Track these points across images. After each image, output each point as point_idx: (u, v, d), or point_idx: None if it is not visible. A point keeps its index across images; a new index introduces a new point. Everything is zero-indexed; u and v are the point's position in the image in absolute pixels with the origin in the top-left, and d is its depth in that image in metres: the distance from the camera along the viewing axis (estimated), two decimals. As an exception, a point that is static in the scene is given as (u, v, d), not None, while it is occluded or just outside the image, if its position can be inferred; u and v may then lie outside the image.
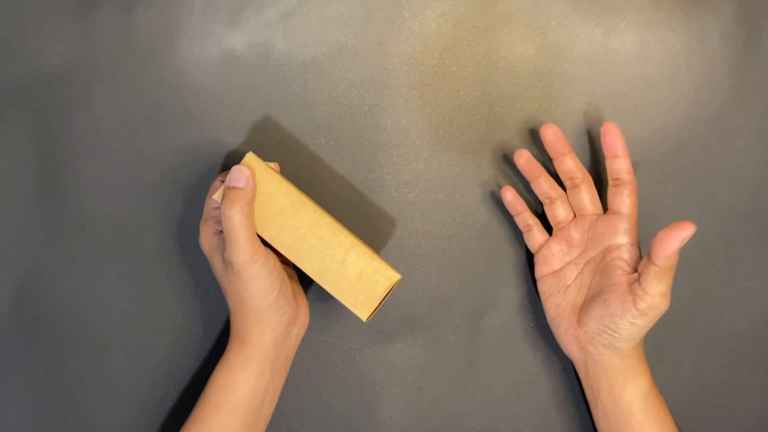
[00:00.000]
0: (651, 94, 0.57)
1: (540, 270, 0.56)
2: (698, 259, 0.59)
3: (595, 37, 0.57)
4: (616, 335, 0.51)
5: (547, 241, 0.56)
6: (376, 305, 0.51)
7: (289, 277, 0.56)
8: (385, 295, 0.51)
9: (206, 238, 0.53)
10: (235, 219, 0.48)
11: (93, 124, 0.57)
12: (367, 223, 0.58)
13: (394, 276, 0.51)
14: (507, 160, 0.58)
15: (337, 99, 0.57)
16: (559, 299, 0.55)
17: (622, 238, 0.52)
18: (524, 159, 0.55)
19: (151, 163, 0.57)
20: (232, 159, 0.57)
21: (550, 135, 0.54)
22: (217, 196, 0.51)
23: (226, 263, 0.50)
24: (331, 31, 0.57)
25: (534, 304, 0.59)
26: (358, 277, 0.51)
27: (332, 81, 0.57)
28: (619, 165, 0.52)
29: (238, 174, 0.50)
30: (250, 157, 0.51)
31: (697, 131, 0.58)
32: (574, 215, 0.55)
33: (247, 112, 0.57)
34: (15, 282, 0.58)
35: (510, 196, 0.56)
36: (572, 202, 0.55)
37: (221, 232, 0.52)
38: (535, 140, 0.58)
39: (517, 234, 0.58)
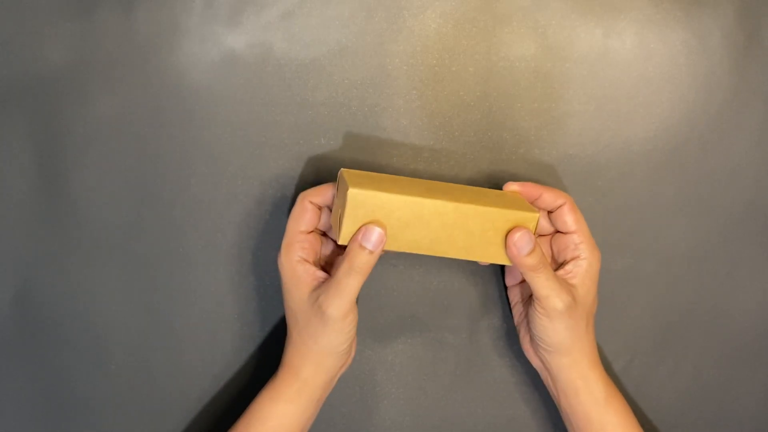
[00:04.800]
0: (651, 94, 0.57)
1: (507, 280, 0.58)
2: (698, 259, 0.59)
3: (595, 37, 0.57)
4: (537, 338, 0.53)
5: None
6: None
7: None
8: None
9: (289, 264, 0.51)
10: (355, 283, 0.48)
11: (93, 124, 0.57)
12: (367, 223, 0.57)
13: (533, 217, 0.50)
14: (506, 161, 0.58)
15: (337, 99, 0.57)
16: (521, 308, 0.56)
17: (574, 252, 0.52)
18: None
19: (151, 163, 0.57)
20: (234, 161, 0.57)
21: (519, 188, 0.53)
22: (342, 240, 0.48)
23: (318, 308, 0.49)
24: (331, 31, 0.57)
25: (534, 304, 0.59)
26: (503, 236, 0.49)
27: (332, 81, 0.57)
28: (545, 202, 0.53)
29: (372, 236, 0.47)
30: (355, 192, 0.47)
31: (697, 131, 0.58)
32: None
33: (247, 112, 0.57)
34: (15, 282, 0.58)
35: None
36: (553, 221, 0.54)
37: (305, 260, 0.51)
38: (534, 140, 0.58)
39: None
